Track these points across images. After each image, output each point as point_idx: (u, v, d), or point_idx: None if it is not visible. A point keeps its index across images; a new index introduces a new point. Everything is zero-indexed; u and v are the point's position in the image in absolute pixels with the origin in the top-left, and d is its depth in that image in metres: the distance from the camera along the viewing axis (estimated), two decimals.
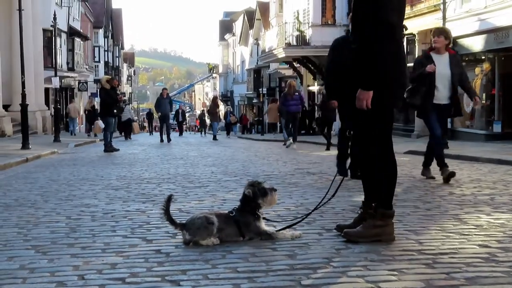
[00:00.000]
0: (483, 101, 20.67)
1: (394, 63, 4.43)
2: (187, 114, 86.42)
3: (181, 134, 39.80)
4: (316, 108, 27.96)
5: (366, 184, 4.70)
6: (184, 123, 46.53)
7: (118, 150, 17.92)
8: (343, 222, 5.06)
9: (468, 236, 4.73)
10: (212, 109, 31.88)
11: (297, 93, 21.11)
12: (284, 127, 21.66)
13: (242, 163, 12.97)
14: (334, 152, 16.16)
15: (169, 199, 4.60)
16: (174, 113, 39.87)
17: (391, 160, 4.57)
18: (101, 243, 4.70)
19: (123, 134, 32.52)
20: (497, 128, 19.78)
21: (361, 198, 4.87)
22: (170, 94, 36.87)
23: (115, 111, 18.32)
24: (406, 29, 4.67)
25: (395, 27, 4.39)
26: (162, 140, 25.60)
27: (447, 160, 13.27)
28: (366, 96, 4.38)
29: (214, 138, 29.26)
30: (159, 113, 25.87)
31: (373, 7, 4.32)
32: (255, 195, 4.67)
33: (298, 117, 21.14)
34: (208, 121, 44.08)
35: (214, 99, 33.78)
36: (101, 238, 4.88)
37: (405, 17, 4.78)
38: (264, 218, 4.74)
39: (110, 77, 21.41)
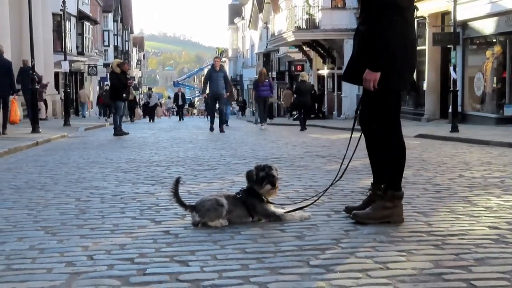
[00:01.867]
0: (494, 85, 20.55)
1: (402, 45, 4.40)
2: (196, 99, 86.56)
3: (181, 118, 37.80)
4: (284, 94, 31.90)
5: (375, 166, 4.68)
6: (184, 106, 44.90)
7: (127, 133, 17.97)
8: (352, 204, 5.05)
9: (477, 218, 4.71)
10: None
11: (267, 80, 24.19)
12: (256, 111, 23.31)
13: (251, 146, 12.96)
14: (319, 134, 16.25)
15: (177, 182, 4.60)
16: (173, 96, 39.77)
17: (400, 142, 4.55)
18: (110, 224, 4.72)
19: (147, 117, 37.77)
20: (508, 111, 19.65)
21: (370, 180, 4.85)
22: (179, 79, 36.75)
23: (124, 95, 18.21)
24: (418, 9, 4.63)
25: (403, 8, 4.35)
26: (212, 129, 20.02)
27: (457, 144, 13.26)
28: (373, 77, 4.36)
29: (225, 124, 24.04)
30: (209, 93, 20.32)
31: None
32: (250, 180, 4.72)
33: (268, 101, 24.87)
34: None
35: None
36: (110, 220, 4.89)
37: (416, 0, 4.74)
38: (268, 202, 4.71)
39: (121, 61, 21.42)
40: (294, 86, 27.22)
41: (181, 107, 40.36)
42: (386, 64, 4.34)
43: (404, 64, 4.47)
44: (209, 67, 23.57)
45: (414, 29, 4.70)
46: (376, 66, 4.36)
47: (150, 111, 38.10)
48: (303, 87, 22.27)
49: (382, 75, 4.36)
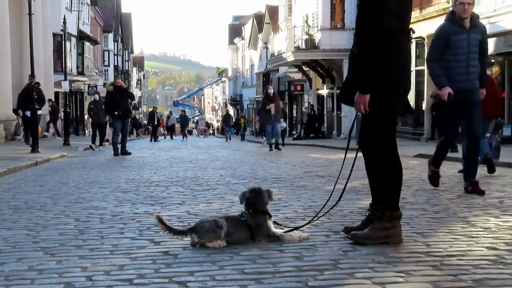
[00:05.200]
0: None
1: (392, 68, 4.44)
2: (196, 118, 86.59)
3: (155, 139, 36.40)
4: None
5: (373, 186, 4.70)
6: (187, 127, 46.85)
7: (130, 153, 17.89)
8: (350, 224, 5.06)
9: (476, 239, 4.71)
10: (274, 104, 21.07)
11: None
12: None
13: (251, 166, 12.98)
14: (318, 154, 16.26)
15: (161, 220, 4.57)
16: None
17: (396, 162, 4.58)
18: (109, 245, 4.72)
19: (169, 134, 44.82)
20: (507, 131, 19.70)
21: (369, 200, 4.86)
22: (179, 98, 36.83)
23: (116, 113, 17.65)
24: (414, 32, 4.67)
25: (392, 32, 4.39)
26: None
27: (457, 164, 13.27)
28: (363, 99, 4.41)
29: (276, 146, 20.64)
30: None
31: (369, 13, 4.37)
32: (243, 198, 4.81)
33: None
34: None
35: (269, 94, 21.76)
36: (109, 240, 4.90)
37: (414, 20, 4.79)
38: (274, 222, 4.75)
39: (113, 81, 21.87)
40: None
41: (156, 127, 38.93)
42: (377, 87, 4.39)
43: (396, 86, 4.51)
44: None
45: (408, 52, 4.74)
46: (365, 89, 4.40)
47: (169, 130, 45.92)
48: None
49: (374, 98, 4.41)
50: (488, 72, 20.12)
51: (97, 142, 22.26)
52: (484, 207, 6.42)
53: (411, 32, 4.60)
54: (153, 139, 36.60)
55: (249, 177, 10.40)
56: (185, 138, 40.76)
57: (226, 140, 39.23)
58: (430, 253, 4.20)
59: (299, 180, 9.65)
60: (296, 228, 4.84)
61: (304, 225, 4.92)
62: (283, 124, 23.85)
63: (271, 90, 21.51)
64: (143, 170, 12.10)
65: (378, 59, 4.36)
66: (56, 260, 4.23)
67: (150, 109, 50.74)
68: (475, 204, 6.66)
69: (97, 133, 22.37)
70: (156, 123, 38.81)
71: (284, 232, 4.76)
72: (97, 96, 23.07)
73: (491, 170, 10.35)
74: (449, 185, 8.75)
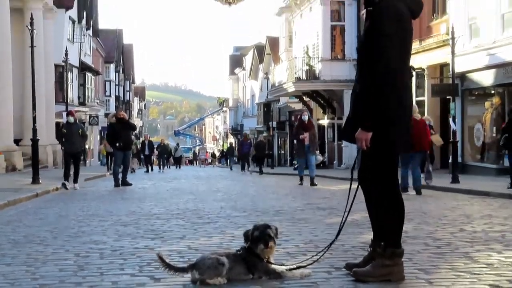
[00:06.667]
0: (494, 135, 20.63)
1: (397, 108, 4.45)
2: (197, 148, 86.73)
3: (148, 170, 34.65)
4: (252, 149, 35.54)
5: (374, 223, 4.67)
6: (182, 157, 46.48)
7: (130, 184, 17.87)
8: (352, 261, 5.02)
9: (479, 275, 4.67)
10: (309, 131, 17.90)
11: (249, 141, 37.64)
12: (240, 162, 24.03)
13: (251, 198, 12.94)
14: (320, 185, 16.14)
15: (161, 258, 4.56)
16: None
17: (398, 199, 4.56)
18: (109, 281, 4.68)
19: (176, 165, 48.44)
20: (507, 162, 19.64)
21: (371, 234, 4.83)
22: (180, 128, 36.10)
23: (117, 144, 17.62)
24: (414, 69, 4.71)
25: (399, 73, 4.42)
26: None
27: (458, 195, 13.24)
28: (365, 136, 4.42)
29: (311, 182, 17.40)
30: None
31: (376, 53, 4.37)
32: (246, 239, 4.70)
33: (250, 154, 35.47)
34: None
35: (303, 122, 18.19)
36: (109, 277, 4.86)
37: (414, 52, 4.82)
38: (268, 262, 4.66)
39: (116, 112, 21.21)
40: (254, 143, 37.56)
41: (148, 157, 35.79)
42: (380, 125, 4.39)
43: (399, 126, 4.51)
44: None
45: (410, 90, 4.76)
46: (367, 126, 4.41)
47: (177, 161, 50.10)
48: (261, 144, 35.57)
49: (377, 135, 4.41)
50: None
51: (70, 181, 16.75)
52: (487, 242, 6.39)
53: (411, 69, 4.63)
54: (148, 169, 34.50)
55: (250, 209, 10.36)
56: (162, 169, 37.28)
57: (231, 169, 40.57)
58: None
59: (300, 213, 9.61)
60: (299, 268, 4.77)
61: (307, 265, 4.82)
62: (319, 157, 19.43)
63: (305, 117, 17.98)
64: (144, 202, 12.06)
65: (383, 98, 4.37)
66: None
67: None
68: (477, 238, 6.62)
69: (71, 165, 16.89)
70: (147, 153, 35.20)
71: (286, 269, 4.71)
72: (71, 118, 17.30)
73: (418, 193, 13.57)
74: (451, 218, 8.71)
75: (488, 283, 4.43)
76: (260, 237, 4.61)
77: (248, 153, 35.31)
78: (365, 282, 4.42)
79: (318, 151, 18.96)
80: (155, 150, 36.94)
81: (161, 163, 38.97)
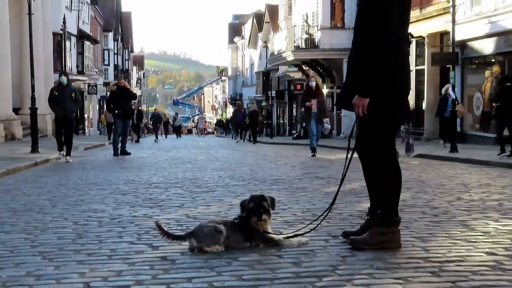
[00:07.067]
0: (493, 104, 20.57)
1: (395, 75, 4.43)
2: (196, 117, 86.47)
3: (179, 136, 36.83)
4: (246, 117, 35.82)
5: (372, 191, 4.68)
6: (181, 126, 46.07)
7: (129, 154, 17.88)
8: (350, 229, 5.05)
9: (475, 243, 4.70)
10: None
11: (243, 110, 38.47)
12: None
13: (250, 167, 12.97)
14: (318, 154, 16.10)
15: (159, 226, 4.59)
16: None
17: (395, 168, 4.56)
18: (107, 249, 4.71)
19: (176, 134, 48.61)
20: (507, 131, 19.62)
21: (368, 203, 4.84)
22: (179, 97, 35.43)
23: (116, 111, 17.57)
24: (413, 36, 4.66)
25: (398, 40, 4.39)
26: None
27: (457, 164, 13.27)
28: (362, 103, 4.40)
29: (312, 151, 16.96)
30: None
31: (375, 20, 4.33)
32: (243, 209, 4.71)
33: (244, 124, 35.91)
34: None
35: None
36: (107, 245, 4.88)
37: (414, 20, 4.79)
38: (265, 232, 4.68)
39: (117, 81, 20.79)
40: (248, 112, 37.27)
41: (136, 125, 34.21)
42: (377, 91, 4.37)
43: (397, 93, 4.49)
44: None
45: (408, 58, 4.73)
46: (365, 92, 4.39)
47: (176, 130, 51.12)
48: (254, 113, 35.40)
49: (374, 102, 4.38)
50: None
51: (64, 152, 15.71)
52: (484, 210, 6.41)
53: (409, 37, 4.59)
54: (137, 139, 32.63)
55: (248, 178, 10.38)
56: (156, 139, 36.69)
57: (233, 138, 39.92)
58: (429, 259, 4.18)
59: (298, 182, 9.63)
60: (296, 236, 4.80)
61: (305, 233, 4.85)
62: (327, 125, 17.64)
63: (312, 83, 16.92)
64: (143, 171, 12.09)
65: (382, 65, 4.34)
66: (54, 266, 4.21)
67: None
68: (475, 207, 6.65)
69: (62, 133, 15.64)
70: (135, 122, 31.44)
71: (284, 237, 4.74)
72: (64, 79, 15.58)
73: None
74: (449, 187, 8.74)
75: (484, 250, 4.45)
76: (254, 209, 4.62)
77: (242, 122, 36.06)
78: (362, 249, 4.44)
79: (328, 119, 17.71)
80: (143, 120, 36.93)
81: (155, 132, 38.89)
